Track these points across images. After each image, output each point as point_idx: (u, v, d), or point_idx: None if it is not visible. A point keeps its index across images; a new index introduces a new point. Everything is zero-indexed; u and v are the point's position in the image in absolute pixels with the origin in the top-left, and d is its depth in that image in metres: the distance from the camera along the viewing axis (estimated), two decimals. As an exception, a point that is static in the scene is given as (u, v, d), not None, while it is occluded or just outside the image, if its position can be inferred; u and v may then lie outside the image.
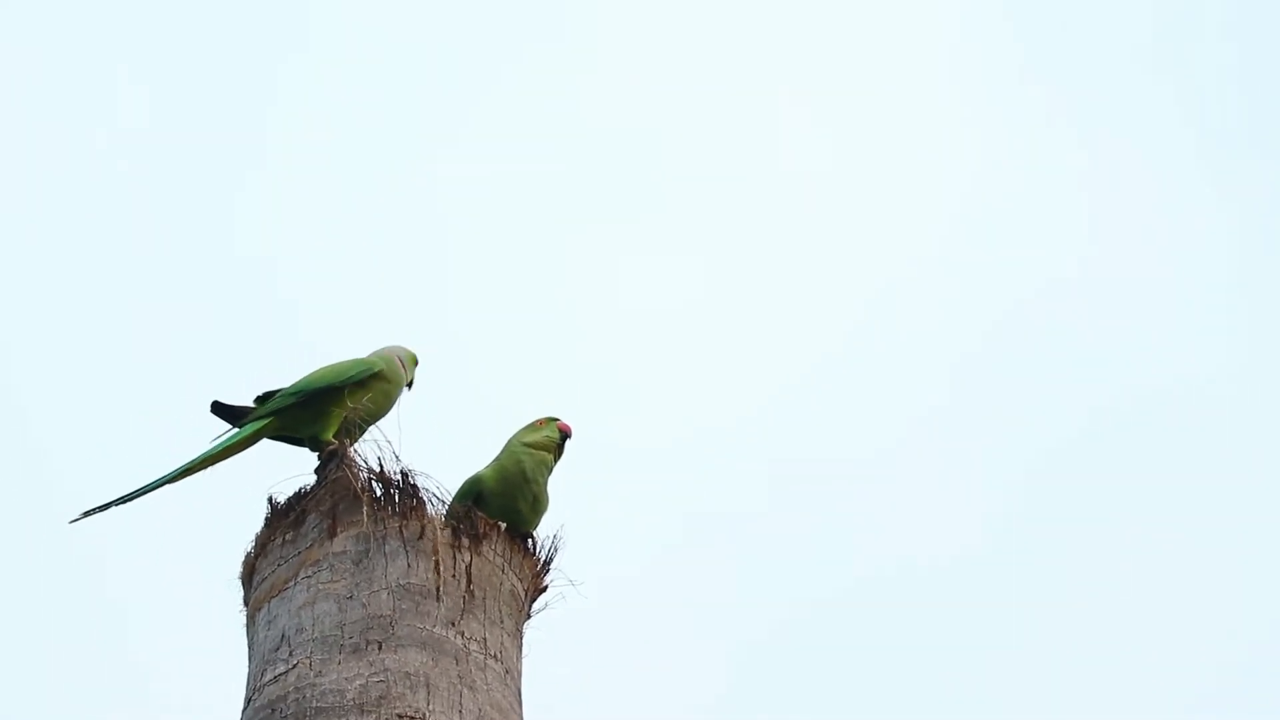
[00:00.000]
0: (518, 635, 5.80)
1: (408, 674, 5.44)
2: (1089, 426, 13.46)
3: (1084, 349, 13.65)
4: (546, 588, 5.95)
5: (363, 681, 5.41)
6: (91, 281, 13.69)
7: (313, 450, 6.03)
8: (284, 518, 5.86)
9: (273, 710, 5.44)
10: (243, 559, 5.92)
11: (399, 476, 5.82)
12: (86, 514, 5.95)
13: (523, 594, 5.86)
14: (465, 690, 5.47)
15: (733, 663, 11.99)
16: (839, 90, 14.44)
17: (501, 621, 5.72)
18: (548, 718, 5.80)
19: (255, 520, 5.91)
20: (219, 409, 6.09)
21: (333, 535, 5.74)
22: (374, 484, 5.80)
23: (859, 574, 12.58)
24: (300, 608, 5.63)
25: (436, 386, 6.37)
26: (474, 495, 6.05)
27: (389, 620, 5.54)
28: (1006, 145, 14.34)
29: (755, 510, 12.54)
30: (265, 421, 6.03)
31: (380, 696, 5.37)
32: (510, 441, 6.23)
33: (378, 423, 6.11)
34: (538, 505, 6.07)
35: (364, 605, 5.58)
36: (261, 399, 6.12)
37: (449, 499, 5.91)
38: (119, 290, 13.62)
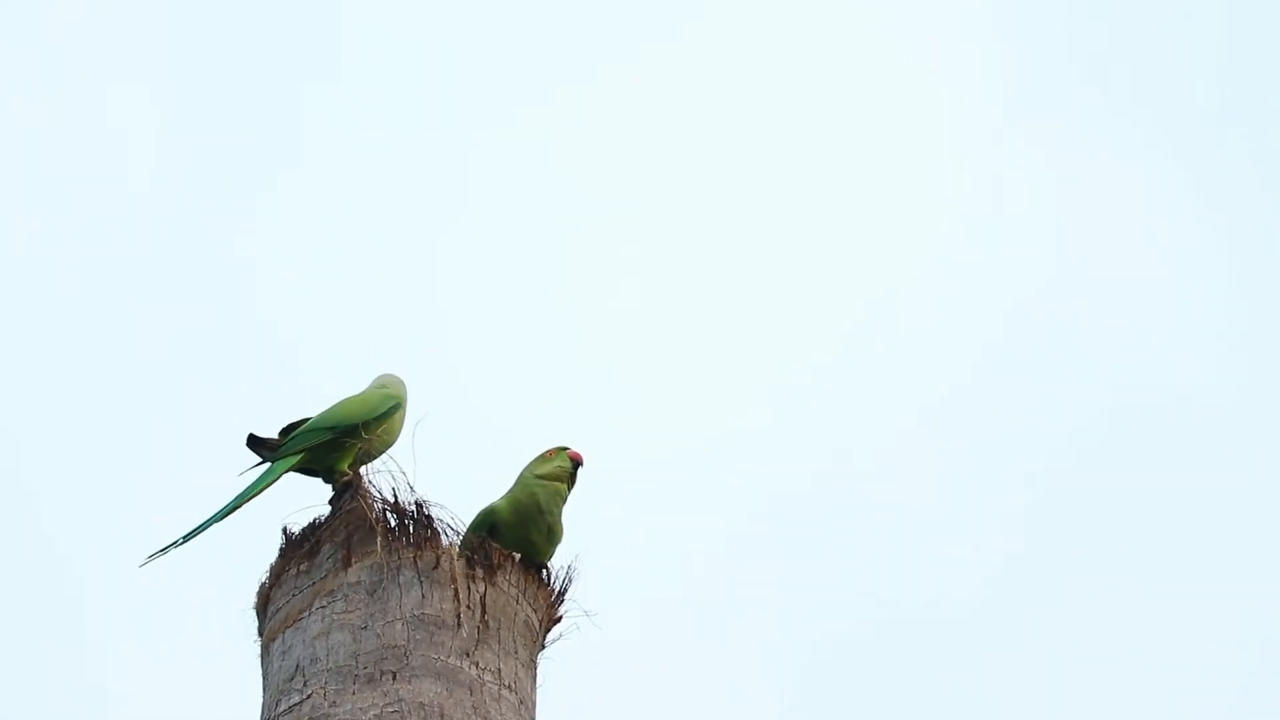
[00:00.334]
0: (532, 666, 5.80)
1: (422, 704, 5.44)
2: (1101, 432, 13.45)
3: (1086, 353, 13.66)
4: (561, 618, 5.96)
5: (377, 712, 5.41)
6: (87, 289, 13.70)
7: (326, 481, 6.04)
8: (298, 548, 5.87)
9: (287, 740, 5.46)
10: (257, 589, 5.92)
11: (413, 507, 5.82)
12: (151, 558, 5.94)
13: (537, 624, 5.87)
14: (479, 721, 5.50)
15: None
16: (840, 89, 14.45)
17: (516, 652, 5.73)
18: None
19: (269, 551, 5.93)
20: (254, 442, 6.08)
21: (347, 565, 5.75)
22: (389, 515, 5.81)
23: (883, 608, 12.58)
24: (315, 638, 5.64)
25: (441, 401, 6.36)
26: (488, 527, 6.05)
27: (403, 651, 5.55)
28: (1006, 147, 14.35)
29: (760, 523, 12.55)
30: (300, 456, 6.03)
31: (394, 727, 5.39)
32: (522, 474, 6.23)
33: (387, 452, 6.11)
34: (552, 536, 6.07)
35: (378, 635, 5.58)
36: (286, 430, 6.11)
37: (463, 530, 5.91)
38: (111, 296, 13.64)
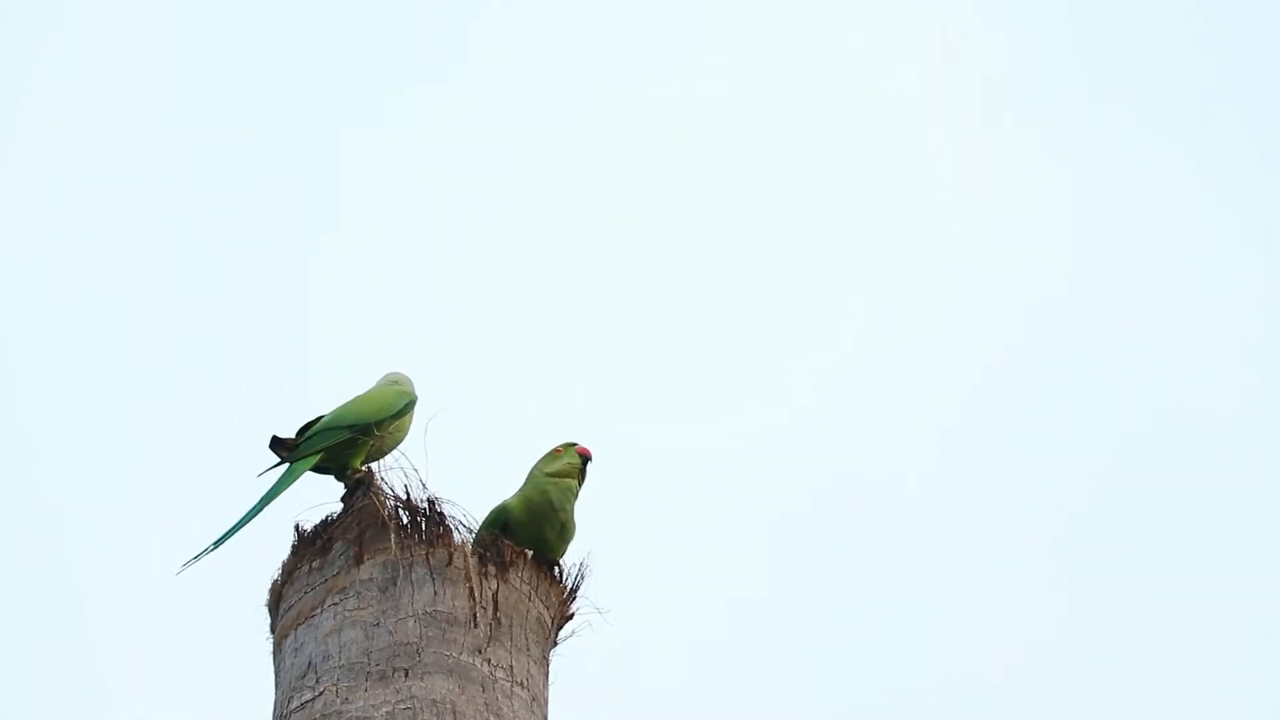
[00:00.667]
0: (544, 663, 5.81)
1: (434, 701, 5.45)
2: (1127, 434, 13.39)
3: (1101, 352, 13.62)
4: (573, 615, 5.97)
5: (389, 709, 5.42)
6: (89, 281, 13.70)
7: (338, 479, 6.05)
8: (310, 545, 5.87)
9: (299, 737, 5.47)
10: (269, 586, 5.93)
11: (426, 504, 5.83)
12: (186, 565, 5.94)
13: (549, 622, 5.88)
14: (492, 717, 5.48)
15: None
16: (845, 88, 14.45)
17: (528, 649, 5.73)
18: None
19: (282, 548, 5.93)
20: (273, 442, 6.08)
21: (359, 563, 5.75)
22: (401, 512, 5.82)
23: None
24: (327, 635, 5.64)
25: (452, 399, 6.37)
26: (500, 524, 6.07)
27: (415, 648, 5.55)
28: (1018, 150, 14.34)
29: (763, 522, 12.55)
30: (319, 456, 6.03)
31: (407, 724, 5.39)
32: (532, 473, 6.25)
33: (398, 449, 6.12)
34: (565, 533, 6.09)
35: (390, 633, 5.59)
36: (301, 430, 6.10)
37: (476, 527, 5.91)
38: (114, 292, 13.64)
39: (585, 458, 6.25)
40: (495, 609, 5.72)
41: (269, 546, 5.91)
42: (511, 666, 5.64)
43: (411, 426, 6.18)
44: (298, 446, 6.04)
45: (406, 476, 5.86)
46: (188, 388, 12.54)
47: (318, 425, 6.08)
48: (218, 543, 5.93)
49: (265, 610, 5.93)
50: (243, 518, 5.95)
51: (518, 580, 5.83)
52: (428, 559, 5.74)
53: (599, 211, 14.00)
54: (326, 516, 5.91)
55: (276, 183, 14.01)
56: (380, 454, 6.07)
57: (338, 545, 5.82)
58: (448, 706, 5.45)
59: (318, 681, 5.55)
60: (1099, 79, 14.45)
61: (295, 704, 5.55)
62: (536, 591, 5.87)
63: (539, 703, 5.70)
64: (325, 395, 6.29)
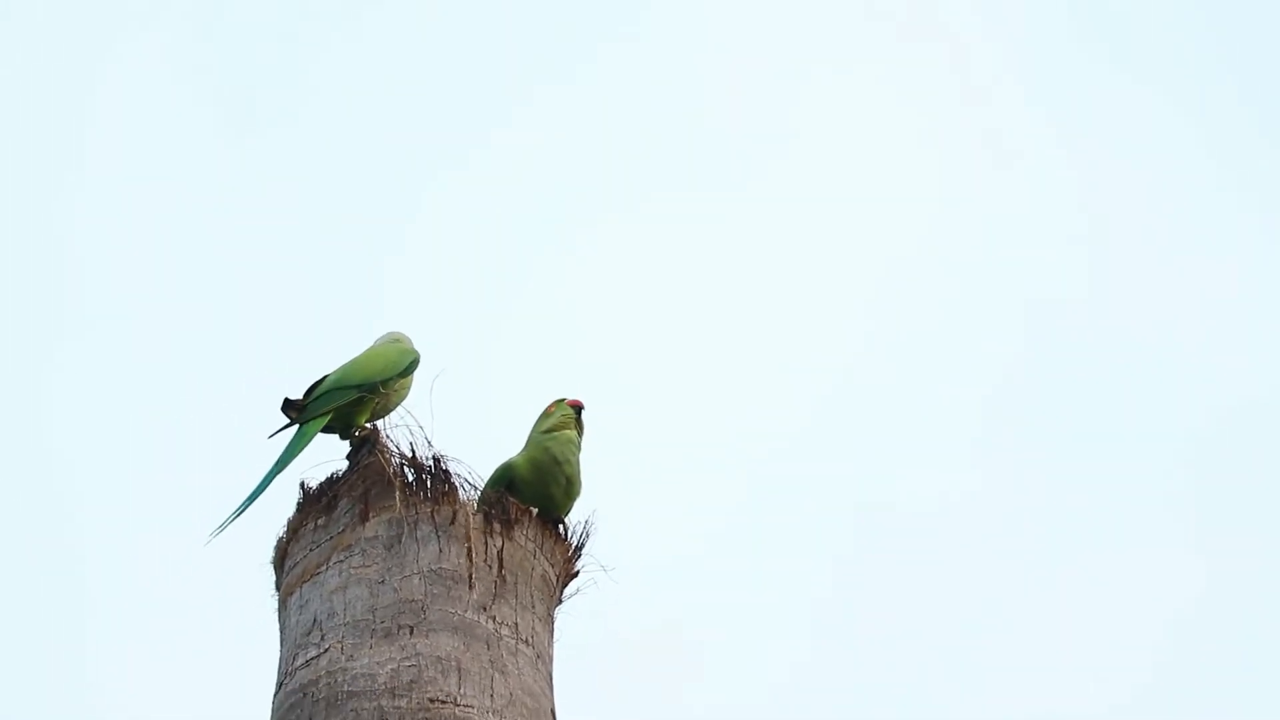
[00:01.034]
0: (549, 620, 5.81)
1: (439, 658, 5.45)
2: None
3: (1112, 349, 13.60)
4: (578, 573, 5.97)
5: (394, 666, 5.42)
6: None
7: (342, 438, 6.05)
8: (316, 503, 5.87)
9: (304, 694, 5.46)
10: (275, 544, 5.93)
11: (431, 462, 5.83)
12: (213, 535, 5.95)
13: (554, 579, 5.88)
14: (497, 675, 5.48)
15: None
16: (854, 85, 14.47)
17: (533, 606, 5.73)
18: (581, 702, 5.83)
19: (287, 505, 5.94)
20: (287, 404, 6.07)
21: (365, 520, 5.75)
22: (406, 469, 5.82)
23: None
24: (332, 592, 5.65)
25: (458, 357, 6.39)
26: (506, 482, 6.07)
27: (420, 605, 5.56)
28: (1017, 150, 14.36)
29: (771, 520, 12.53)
30: (329, 416, 6.04)
31: (411, 681, 5.39)
32: (531, 435, 6.25)
33: (403, 407, 6.12)
34: (571, 489, 6.09)
35: (396, 590, 5.59)
36: (309, 391, 6.10)
37: (481, 485, 5.92)
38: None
39: (577, 408, 6.27)
40: (500, 566, 5.72)
41: (274, 505, 5.93)
42: (516, 624, 5.64)
43: (413, 385, 6.19)
44: (305, 407, 6.04)
45: (412, 434, 5.87)
46: (186, 385, 12.57)
47: (324, 385, 6.09)
48: (240, 509, 5.93)
49: (270, 567, 5.94)
50: (261, 481, 5.95)
51: (523, 538, 5.83)
52: (433, 516, 5.74)
53: (599, 210, 14.02)
54: (332, 474, 5.91)
55: (285, 175, 14.04)
56: (384, 412, 6.08)
57: (343, 503, 5.82)
58: (452, 664, 5.45)
59: (323, 639, 5.55)
60: (1103, 62, 14.43)
61: (300, 661, 5.56)
62: (541, 549, 5.87)
63: (544, 660, 5.70)
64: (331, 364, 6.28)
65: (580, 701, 5.81)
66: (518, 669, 5.55)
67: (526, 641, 5.64)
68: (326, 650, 5.52)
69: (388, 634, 5.50)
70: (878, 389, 13.53)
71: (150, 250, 13.81)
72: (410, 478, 5.80)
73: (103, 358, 13.42)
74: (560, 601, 5.92)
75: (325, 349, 6.35)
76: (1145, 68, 14.46)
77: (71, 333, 13.74)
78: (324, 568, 5.72)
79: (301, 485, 5.93)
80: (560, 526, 6.01)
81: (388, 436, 5.93)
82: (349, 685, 5.40)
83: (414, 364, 6.18)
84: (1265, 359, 13.60)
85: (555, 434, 6.18)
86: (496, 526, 5.78)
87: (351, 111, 14.23)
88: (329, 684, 5.43)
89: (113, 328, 13.58)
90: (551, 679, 5.71)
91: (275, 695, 5.61)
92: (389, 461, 5.84)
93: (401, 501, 5.75)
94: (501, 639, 5.58)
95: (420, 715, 5.32)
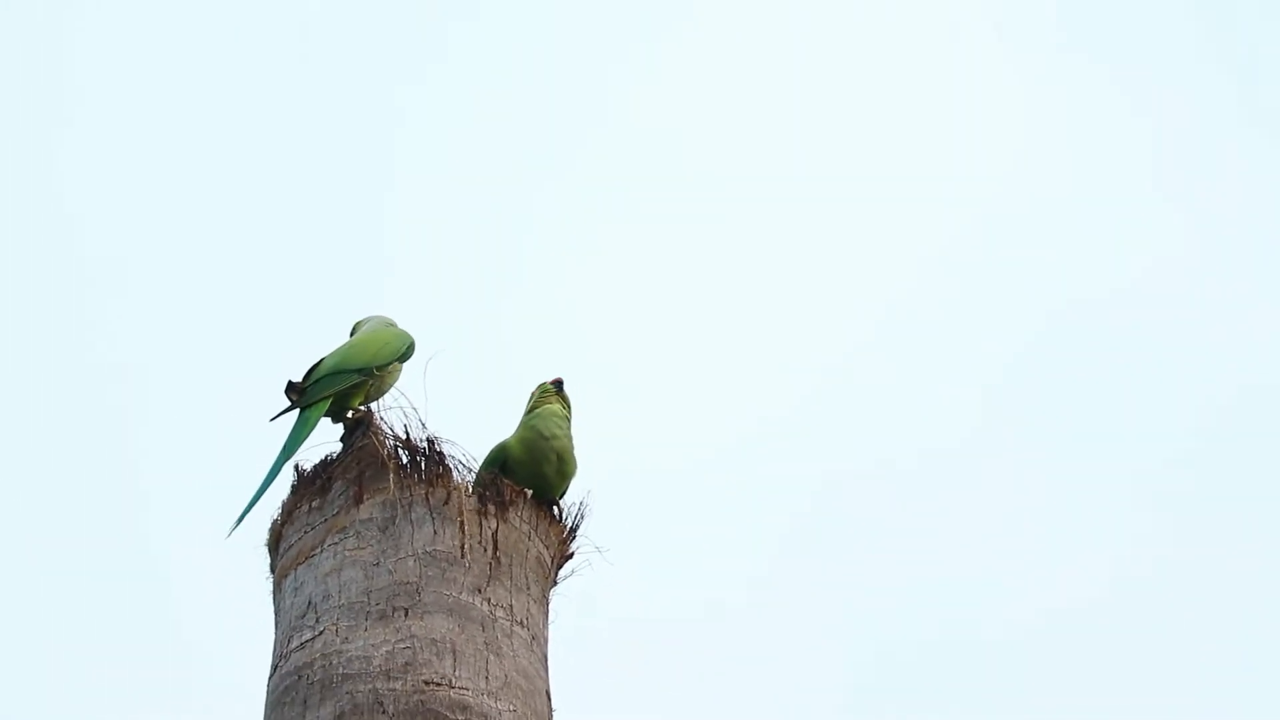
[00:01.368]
0: (544, 602, 5.80)
1: (434, 640, 5.45)
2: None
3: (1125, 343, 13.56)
4: (573, 554, 5.96)
5: (389, 648, 5.42)
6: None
7: (335, 421, 6.05)
8: (310, 485, 5.87)
9: (299, 676, 5.45)
10: (269, 526, 5.92)
11: (425, 444, 5.82)
12: (233, 529, 5.92)
13: (549, 561, 5.87)
14: (491, 656, 5.48)
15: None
16: (858, 82, 14.47)
17: (528, 588, 5.73)
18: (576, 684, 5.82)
19: (281, 488, 5.93)
20: (289, 387, 6.07)
21: (359, 502, 5.75)
22: (400, 451, 5.81)
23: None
24: (327, 574, 5.64)
25: (452, 341, 6.39)
26: (500, 464, 6.06)
27: (415, 587, 5.55)
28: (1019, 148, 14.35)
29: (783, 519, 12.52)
30: (330, 400, 6.03)
31: (406, 663, 5.38)
32: (520, 421, 6.26)
33: (396, 389, 6.12)
34: (564, 467, 6.08)
35: (390, 572, 5.58)
36: (308, 374, 6.10)
37: (475, 467, 5.91)
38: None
39: (556, 383, 6.28)
40: (495, 548, 5.71)
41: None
42: (511, 606, 5.63)
43: (403, 368, 6.19)
44: (305, 390, 6.03)
45: (406, 416, 5.87)
46: (184, 380, 12.60)
47: (322, 369, 6.07)
48: (254, 500, 5.91)
49: (265, 550, 5.93)
50: (271, 470, 5.93)
51: (517, 519, 5.82)
52: (427, 498, 5.73)
53: (599, 211, 14.04)
54: (326, 456, 5.91)
55: (289, 171, 14.07)
56: (377, 395, 6.07)
57: (337, 485, 5.82)
58: (447, 645, 5.44)
59: (318, 621, 5.55)
60: (1103, 61, 14.43)
61: (295, 643, 5.55)
62: (536, 531, 5.86)
63: (539, 641, 5.69)
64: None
65: (576, 683, 5.81)
66: (512, 651, 5.54)
67: (521, 623, 5.63)
68: (321, 633, 5.51)
69: (382, 616, 5.49)
70: (877, 389, 13.54)
71: (150, 237, 13.88)
72: (404, 460, 5.80)
73: (101, 358, 13.45)
74: (555, 583, 5.91)
75: (318, 332, 6.34)
76: (1140, 63, 14.48)
77: (68, 327, 13.78)
78: (319, 550, 5.71)
79: (296, 468, 5.93)
80: (555, 508, 6.01)
81: (382, 419, 5.92)
82: (344, 668, 5.40)
83: (411, 348, 6.18)
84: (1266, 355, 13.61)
85: (539, 410, 6.19)
86: (491, 508, 5.77)
87: (355, 102, 14.29)
88: (324, 666, 5.43)
89: (113, 328, 13.62)
90: (547, 660, 5.70)
91: (270, 678, 5.60)
92: (383, 444, 5.83)
93: (396, 484, 5.74)
94: (496, 621, 5.57)
95: (415, 697, 5.32)
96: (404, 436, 5.84)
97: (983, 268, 14.06)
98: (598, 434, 6.34)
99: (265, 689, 5.60)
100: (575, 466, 6.10)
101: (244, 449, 6.15)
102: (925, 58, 14.45)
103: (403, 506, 5.72)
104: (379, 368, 6.07)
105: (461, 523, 5.69)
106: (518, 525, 5.81)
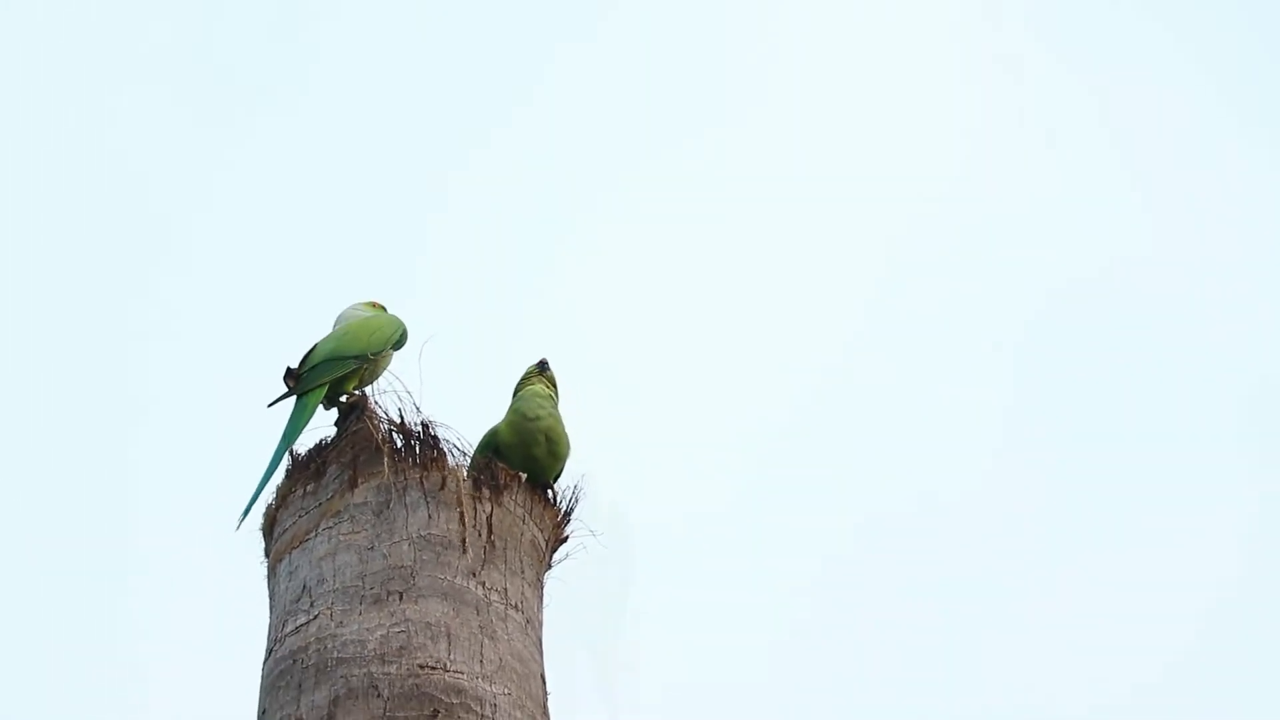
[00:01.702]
0: (538, 585, 5.80)
1: (429, 624, 5.44)
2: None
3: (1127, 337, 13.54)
4: (567, 538, 5.96)
5: (384, 632, 5.41)
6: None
7: (328, 408, 6.05)
8: (305, 469, 5.86)
9: (294, 661, 5.45)
10: (264, 510, 5.92)
11: (420, 428, 5.82)
12: (241, 520, 5.92)
13: (543, 544, 5.87)
14: (486, 640, 5.47)
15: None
16: (857, 82, 14.47)
17: (522, 572, 5.72)
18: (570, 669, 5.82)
19: (276, 472, 5.91)
20: (288, 373, 6.07)
21: (353, 486, 5.74)
22: (395, 435, 5.80)
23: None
24: (321, 559, 5.64)
25: (446, 325, 6.39)
26: (493, 448, 6.06)
27: (410, 571, 5.55)
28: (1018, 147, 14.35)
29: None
30: (327, 387, 6.04)
31: (401, 647, 5.38)
32: (508, 409, 6.26)
33: (389, 373, 6.12)
34: (555, 448, 6.06)
35: (385, 556, 5.58)
36: (304, 360, 6.10)
37: (470, 451, 5.90)
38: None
39: (540, 364, 6.28)
40: (489, 532, 5.71)
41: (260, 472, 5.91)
42: (506, 589, 5.63)
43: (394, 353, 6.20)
44: (302, 377, 6.03)
45: (400, 400, 5.86)
46: (182, 373, 12.62)
47: (317, 354, 6.08)
48: (258, 490, 5.92)
49: (260, 534, 5.93)
50: (273, 459, 5.94)
51: (512, 503, 5.82)
52: (422, 482, 5.73)
53: (599, 211, 14.04)
54: (320, 440, 5.90)
55: (287, 168, 14.10)
56: (370, 379, 6.07)
57: (332, 469, 5.81)
58: (442, 629, 5.44)
59: (312, 605, 5.54)
60: (1101, 61, 14.42)
61: (290, 627, 5.54)
62: (530, 514, 5.86)
63: (533, 625, 5.68)
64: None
65: (570, 666, 5.81)
66: (507, 634, 5.54)
67: (516, 607, 5.63)
68: (316, 617, 5.51)
69: (377, 600, 5.49)
70: (877, 388, 13.53)
71: (150, 234, 13.90)
72: (399, 444, 5.79)
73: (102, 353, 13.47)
74: (549, 566, 5.91)
75: (317, 331, 6.33)
76: (1137, 58, 14.48)
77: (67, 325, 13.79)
78: (313, 534, 5.71)
79: (290, 452, 5.92)
80: (549, 492, 6.00)
81: (376, 403, 5.92)
82: (339, 651, 5.39)
83: (404, 335, 6.19)
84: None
85: (522, 393, 6.20)
86: (486, 492, 5.77)
87: (359, 109, 14.31)
88: (319, 650, 5.42)
89: (113, 327, 13.63)
90: (541, 644, 5.70)
91: (265, 662, 5.60)
92: (377, 428, 5.82)
93: (390, 467, 5.74)
94: (491, 604, 5.57)
95: (410, 681, 5.31)
96: (399, 421, 5.84)
97: (983, 268, 14.05)
98: (597, 434, 6.35)
99: (260, 673, 5.60)
100: (567, 446, 6.10)
101: (238, 444, 6.15)
102: (925, 58, 14.47)
103: (397, 490, 5.71)
104: (374, 353, 6.08)
105: (459, 509, 5.69)
106: (512, 509, 5.81)
